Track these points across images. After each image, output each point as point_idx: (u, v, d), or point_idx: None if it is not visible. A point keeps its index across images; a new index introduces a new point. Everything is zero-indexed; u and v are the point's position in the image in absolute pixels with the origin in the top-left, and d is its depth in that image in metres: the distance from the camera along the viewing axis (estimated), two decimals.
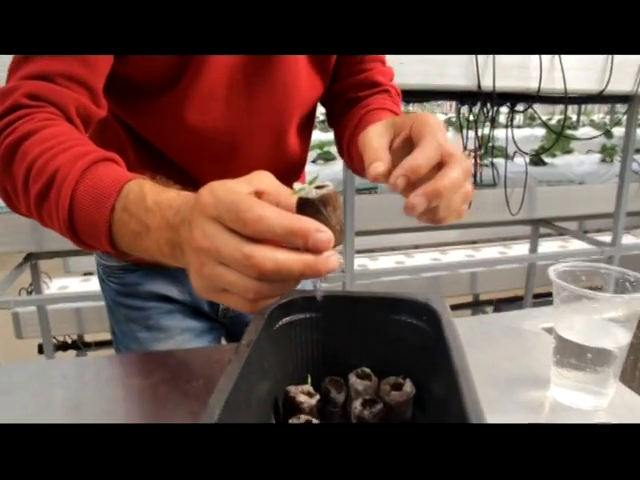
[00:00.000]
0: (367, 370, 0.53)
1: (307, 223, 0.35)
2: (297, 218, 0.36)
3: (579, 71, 1.59)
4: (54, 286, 2.14)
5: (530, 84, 1.55)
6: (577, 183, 2.18)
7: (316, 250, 0.35)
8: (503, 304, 2.78)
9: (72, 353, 2.19)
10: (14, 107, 0.53)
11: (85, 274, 2.39)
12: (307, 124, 0.81)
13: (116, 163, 0.51)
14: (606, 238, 2.25)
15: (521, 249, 2.76)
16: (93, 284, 2.15)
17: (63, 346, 2.14)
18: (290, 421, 0.46)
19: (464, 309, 2.88)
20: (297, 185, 0.40)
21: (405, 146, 0.51)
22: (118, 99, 0.68)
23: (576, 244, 2.63)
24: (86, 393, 0.60)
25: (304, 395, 0.48)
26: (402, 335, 0.52)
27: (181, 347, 0.81)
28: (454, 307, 2.86)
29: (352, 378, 0.52)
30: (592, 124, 5.06)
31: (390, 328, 0.53)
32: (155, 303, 0.83)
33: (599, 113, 7.52)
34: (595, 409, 0.57)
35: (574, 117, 5.29)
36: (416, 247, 2.94)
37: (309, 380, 0.51)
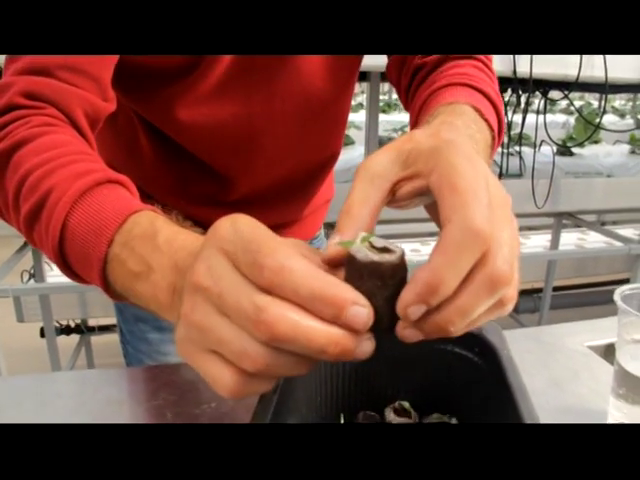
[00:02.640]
0: (406, 405, 0.46)
1: (344, 290, 0.26)
2: (332, 281, 0.26)
3: (622, 58, 1.48)
4: (57, 268, 2.07)
5: (569, 71, 1.45)
6: (605, 175, 2.08)
7: (348, 327, 0.26)
8: (520, 296, 2.68)
9: (75, 337, 2.14)
10: (8, 107, 0.45)
11: None
12: (342, 108, 0.73)
13: (124, 187, 0.42)
14: (625, 232, 2.17)
15: (540, 240, 2.66)
16: None
17: (66, 330, 2.08)
18: None
19: None
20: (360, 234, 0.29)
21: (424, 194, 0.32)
22: (125, 85, 0.60)
23: (595, 236, 2.53)
24: (82, 416, 0.53)
25: None
26: (448, 367, 0.45)
27: None
28: None
29: (389, 415, 0.46)
30: (615, 111, 4.90)
31: (434, 358, 0.45)
32: None
33: (620, 99, 7.32)
34: None
35: (595, 103, 5.12)
36: (431, 235, 2.86)
37: (342, 420, 0.45)
